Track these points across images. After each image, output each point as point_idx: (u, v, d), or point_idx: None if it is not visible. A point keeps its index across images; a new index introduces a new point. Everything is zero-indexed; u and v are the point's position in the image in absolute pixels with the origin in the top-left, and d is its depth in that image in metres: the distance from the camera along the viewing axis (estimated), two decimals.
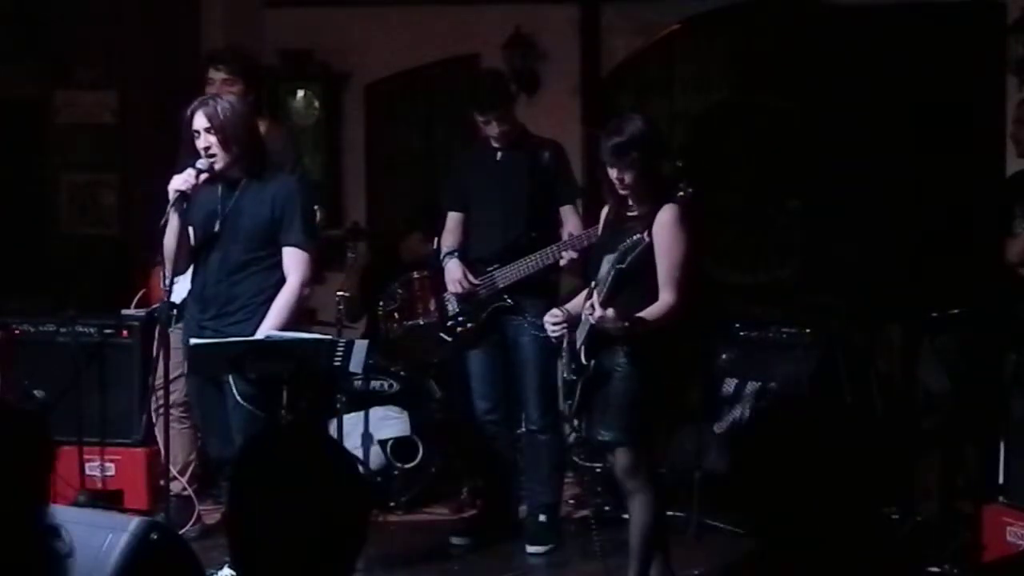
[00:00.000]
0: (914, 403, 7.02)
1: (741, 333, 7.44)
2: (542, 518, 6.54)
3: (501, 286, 6.44)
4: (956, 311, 6.49)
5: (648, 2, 8.80)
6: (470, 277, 6.48)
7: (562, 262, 6.31)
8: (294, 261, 5.59)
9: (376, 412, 7.33)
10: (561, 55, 9.00)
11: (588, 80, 8.99)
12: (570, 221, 6.41)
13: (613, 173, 5.40)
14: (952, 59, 7.94)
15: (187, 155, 5.59)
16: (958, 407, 6.70)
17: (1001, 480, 6.16)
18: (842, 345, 7.26)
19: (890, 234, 8.11)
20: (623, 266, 5.17)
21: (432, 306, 6.78)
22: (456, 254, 6.55)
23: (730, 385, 7.30)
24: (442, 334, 6.70)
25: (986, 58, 7.79)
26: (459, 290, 6.51)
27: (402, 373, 7.39)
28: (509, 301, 6.45)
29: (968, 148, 7.88)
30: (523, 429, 6.68)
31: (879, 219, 8.21)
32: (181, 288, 6.47)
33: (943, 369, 6.77)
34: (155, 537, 3.87)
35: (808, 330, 7.33)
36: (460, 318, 6.60)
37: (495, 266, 6.45)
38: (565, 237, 6.37)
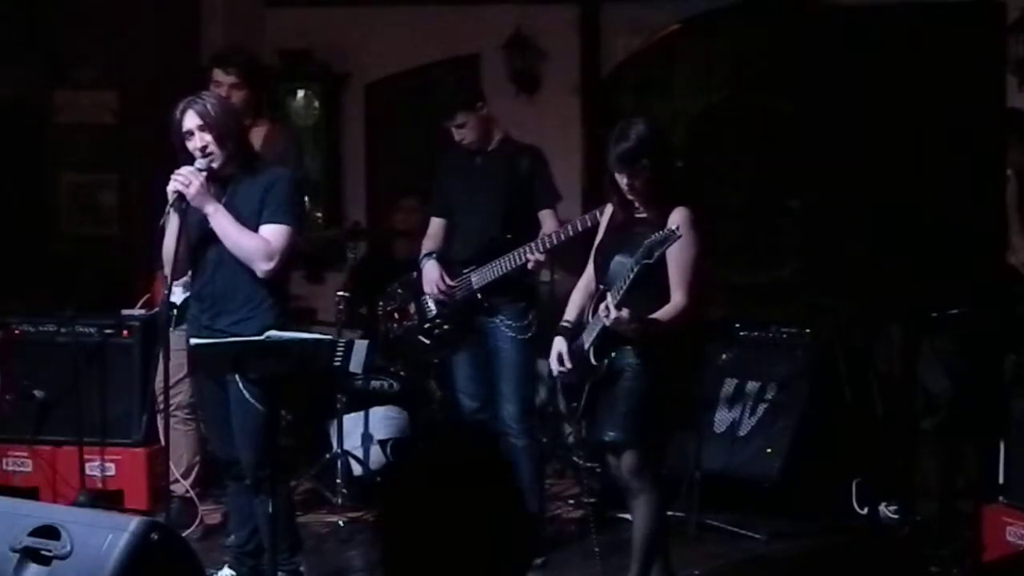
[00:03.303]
0: (914, 403, 7.03)
1: (741, 333, 7.44)
2: None
3: (476, 287, 6.45)
4: (956, 311, 6.49)
5: (648, 2, 8.80)
6: (446, 279, 6.51)
7: (529, 265, 6.31)
8: (270, 231, 5.56)
9: (376, 412, 7.34)
10: (561, 55, 9.00)
11: (588, 80, 8.99)
12: (547, 224, 6.41)
13: (623, 179, 5.39)
14: (952, 59, 7.94)
15: (181, 157, 5.58)
16: (958, 407, 6.70)
17: (1001, 480, 6.16)
18: (842, 345, 7.26)
19: (890, 234, 8.11)
20: (650, 261, 5.15)
21: (412, 308, 6.80)
22: (434, 256, 6.56)
23: (730, 385, 7.30)
24: (420, 336, 6.71)
25: (986, 58, 7.79)
26: (435, 291, 6.53)
27: (402, 373, 7.39)
28: (485, 303, 6.46)
29: (968, 148, 7.88)
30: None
31: (879, 219, 8.20)
32: (180, 289, 6.47)
33: (943, 369, 6.77)
34: (155, 537, 3.88)
35: (808, 330, 7.33)
36: (438, 320, 6.61)
37: (472, 268, 6.47)
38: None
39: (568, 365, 5.46)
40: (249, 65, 6.70)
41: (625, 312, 5.17)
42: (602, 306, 5.28)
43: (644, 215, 5.42)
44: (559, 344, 5.53)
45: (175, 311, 5.95)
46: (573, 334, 5.52)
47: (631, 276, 5.20)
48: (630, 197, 5.42)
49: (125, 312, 7.15)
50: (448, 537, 2.51)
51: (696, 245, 5.33)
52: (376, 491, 6.81)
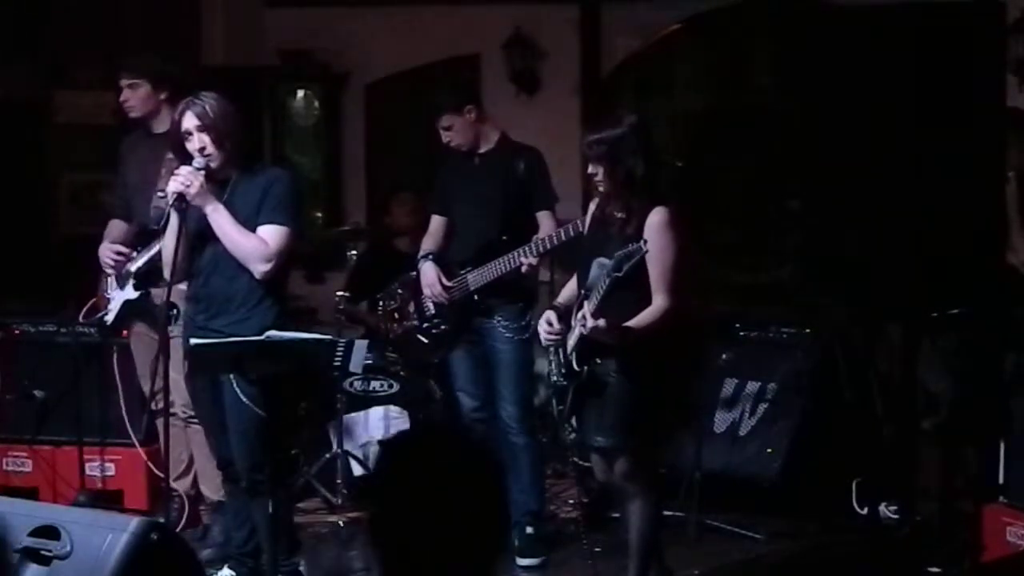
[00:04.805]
0: (914, 403, 7.02)
1: (741, 333, 7.44)
2: (529, 529, 6.49)
3: (472, 288, 6.46)
4: (956, 311, 6.49)
5: (648, 2, 8.80)
6: (443, 280, 6.52)
7: (523, 268, 6.31)
8: (268, 233, 5.56)
9: (376, 412, 7.34)
10: (561, 55, 9.01)
11: (588, 80, 9.00)
12: (545, 226, 6.41)
13: (590, 168, 5.42)
14: (952, 59, 7.94)
15: (178, 157, 5.57)
16: (958, 407, 6.70)
17: (1001, 480, 6.16)
18: (842, 345, 7.26)
19: (890, 234, 8.10)
20: (620, 274, 5.15)
21: (411, 308, 6.81)
22: (431, 257, 6.57)
23: (730, 385, 7.30)
24: (419, 336, 6.73)
25: (986, 58, 7.78)
26: (432, 293, 6.54)
27: (402, 373, 7.39)
28: (483, 304, 6.47)
29: (968, 148, 7.87)
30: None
31: (879, 219, 8.20)
32: (119, 294, 6.48)
33: (943, 369, 6.77)
34: (155, 537, 3.88)
35: (808, 330, 7.33)
36: (436, 319, 6.62)
37: (468, 269, 6.48)
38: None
39: (555, 325, 5.45)
40: (149, 65, 6.64)
41: (602, 322, 5.16)
42: (579, 315, 5.28)
43: (621, 214, 5.40)
44: (548, 314, 5.53)
45: (176, 311, 5.93)
46: (562, 313, 5.51)
47: (603, 287, 5.20)
48: (600, 189, 5.43)
49: (82, 320, 7.03)
50: (434, 531, 2.59)
51: (675, 246, 5.30)
52: (368, 491, 6.82)
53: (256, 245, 5.50)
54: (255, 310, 5.55)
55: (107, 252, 6.58)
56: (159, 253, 6.16)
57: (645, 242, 5.14)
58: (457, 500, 2.61)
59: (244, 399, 5.45)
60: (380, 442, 7.26)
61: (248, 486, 5.57)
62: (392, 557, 2.62)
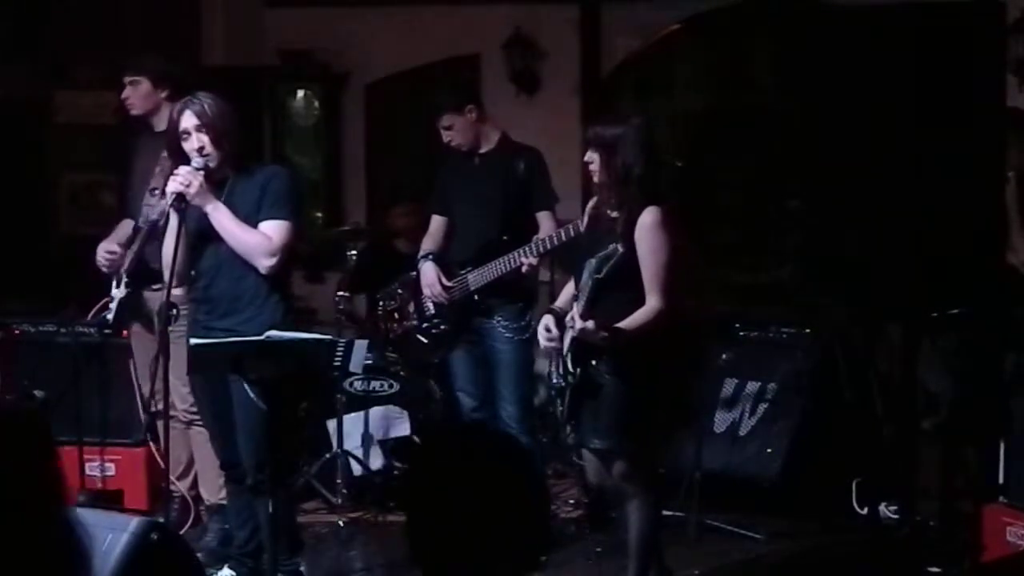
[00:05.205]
0: (914, 403, 7.02)
1: (741, 333, 7.44)
2: None
3: (472, 288, 6.47)
4: (956, 311, 6.49)
5: (648, 2, 8.80)
6: (443, 280, 6.53)
7: (523, 268, 6.31)
8: (270, 228, 5.56)
9: (376, 412, 7.34)
10: (561, 55, 9.00)
11: (588, 80, 8.99)
12: (544, 226, 6.42)
13: (587, 156, 5.43)
14: (952, 59, 7.94)
15: (175, 158, 5.57)
16: (958, 407, 6.70)
17: (1001, 480, 6.16)
18: (842, 345, 7.26)
19: (890, 234, 8.10)
20: (600, 276, 5.16)
21: (412, 308, 6.82)
22: (431, 257, 6.58)
23: (730, 385, 7.30)
24: (419, 336, 6.73)
25: (986, 58, 7.78)
26: (432, 293, 6.55)
27: (402, 373, 7.39)
28: (483, 304, 6.47)
29: (968, 148, 7.87)
30: None
31: (879, 219, 8.20)
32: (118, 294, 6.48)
33: (943, 369, 6.77)
34: (155, 537, 3.87)
35: (808, 330, 7.33)
36: (436, 319, 6.62)
37: (468, 269, 6.48)
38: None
39: (555, 332, 5.45)
40: (151, 63, 6.66)
41: (590, 323, 5.16)
42: (568, 316, 5.28)
43: (615, 212, 5.40)
44: (546, 319, 5.53)
45: (176, 311, 5.93)
46: (560, 317, 5.52)
47: (588, 289, 5.20)
48: (595, 179, 5.43)
49: (87, 320, 7.06)
50: (471, 530, 2.60)
51: (667, 247, 5.29)
52: (395, 491, 6.88)
53: (260, 240, 5.51)
54: (263, 307, 5.55)
55: (101, 252, 6.59)
56: (143, 250, 6.18)
57: (623, 243, 5.16)
58: (502, 500, 2.63)
59: (252, 396, 5.44)
60: (380, 442, 7.26)
61: (253, 484, 5.58)
62: (432, 558, 2.63)
